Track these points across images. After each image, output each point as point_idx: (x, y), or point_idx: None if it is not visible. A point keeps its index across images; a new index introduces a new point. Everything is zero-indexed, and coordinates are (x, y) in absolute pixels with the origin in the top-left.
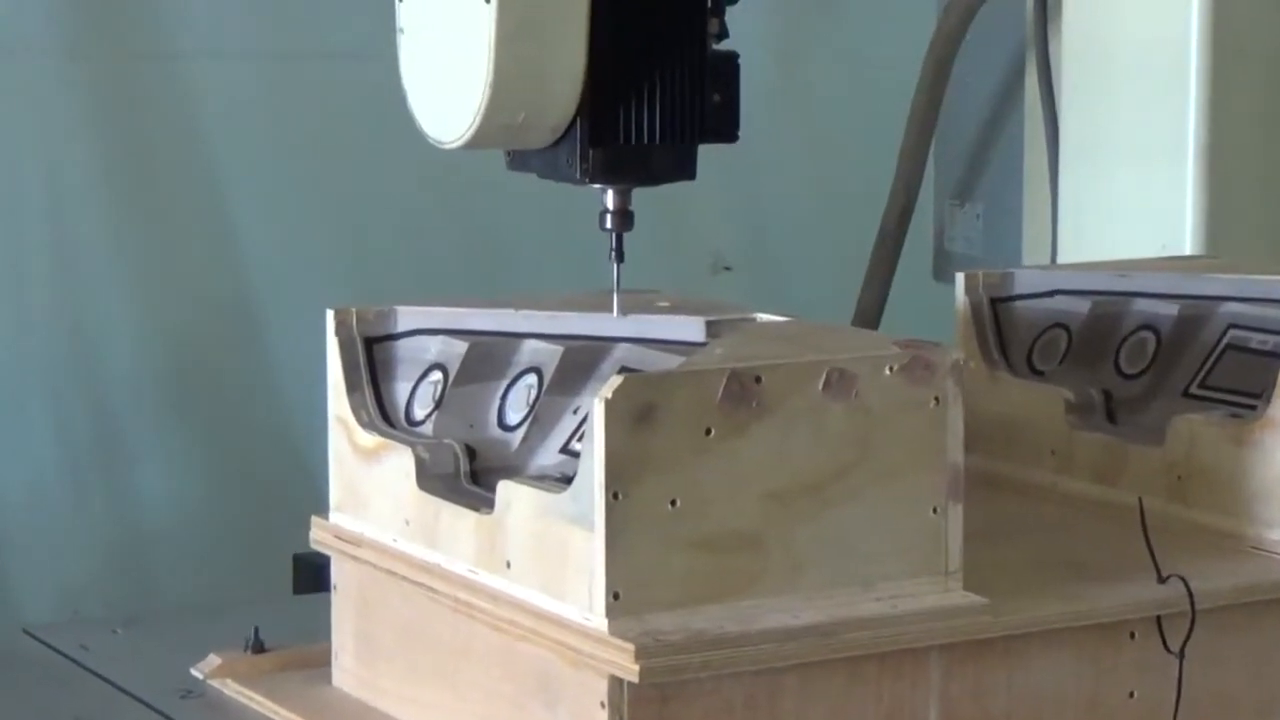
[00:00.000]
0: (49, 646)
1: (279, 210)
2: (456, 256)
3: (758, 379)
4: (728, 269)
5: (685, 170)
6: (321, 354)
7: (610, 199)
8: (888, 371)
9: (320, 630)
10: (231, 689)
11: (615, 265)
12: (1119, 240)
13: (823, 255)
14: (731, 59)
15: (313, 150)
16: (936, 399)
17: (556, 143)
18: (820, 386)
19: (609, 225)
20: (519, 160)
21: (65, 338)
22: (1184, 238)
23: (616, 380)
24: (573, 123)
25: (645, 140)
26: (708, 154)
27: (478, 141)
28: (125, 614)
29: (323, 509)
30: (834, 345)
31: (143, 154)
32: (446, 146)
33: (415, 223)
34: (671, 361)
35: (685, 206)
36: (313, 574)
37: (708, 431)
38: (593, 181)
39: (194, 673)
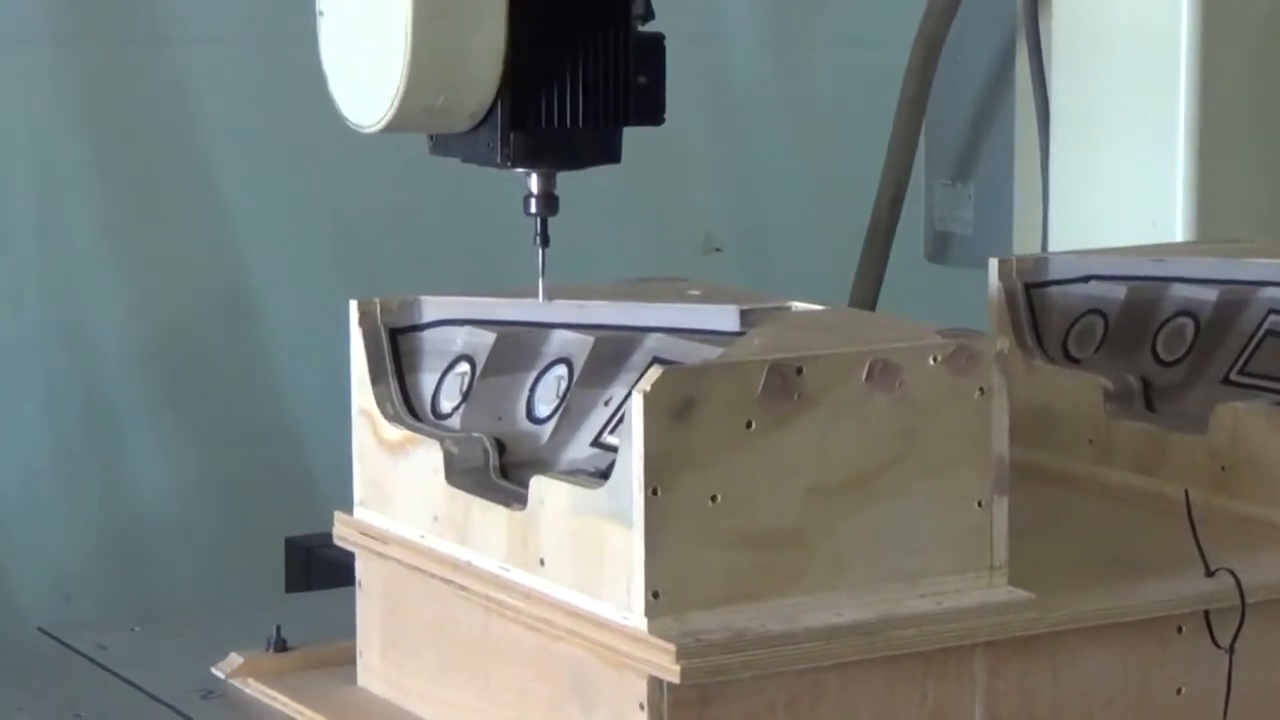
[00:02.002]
0: (66, 645)
1: (273, 197)
2: (451, 243)
3: (799, 370)
4: (718, 250)
5: (610, 154)
6: (316, 341)
7: (534, 183)
8: (931, 361)
9: (342, 627)
10: (254, 688)
11: (540, 250)
12: (1110, 218)
13: (814, 237)
14: (657, 40)
15: (306, 136)
16: (981, 389)
17: (478, 126)
18: (863, 377)
19: (533, 210)
20: (442, 144)
21: (58, 327)
22: (1174, 216)
23: (655, 373)
24: (493, 106)
25: (567, 123)
26: (698, 134)
27: (397, 125)
28: (142, 611)
29: (315, 496)
30: (876, 335)
31: (135, 141)
32: (366, 130)
33: (410, 209)
34: (705, 352)
35: (676, 187)
36: (304, 558)
37: (748, 425)
38: (514, 165)
39: (215, 672)
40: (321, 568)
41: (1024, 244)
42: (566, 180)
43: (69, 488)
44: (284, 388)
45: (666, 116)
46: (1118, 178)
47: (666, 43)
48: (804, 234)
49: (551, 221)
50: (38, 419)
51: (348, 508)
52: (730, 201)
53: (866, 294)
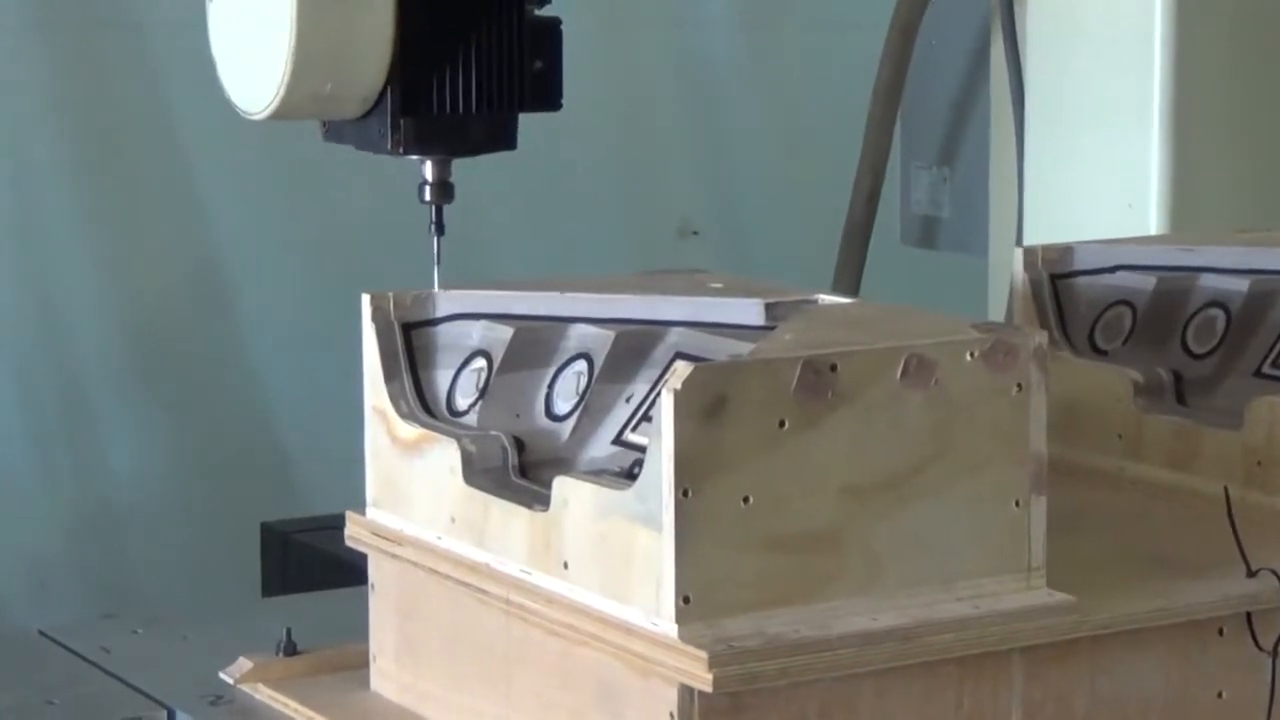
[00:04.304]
0: (68, 649)
1: (247, 180)
2: (425, 226)
3: (833, 367)
4: (695, 234)
5: (505, 140)
6: (291, 325)
7: (429, 170)
8: (968, 357)
9: (352, 629)
10: (264, 694)
11: (435, 239)
12: (1086, 202)
13: (791, 220)
14: (554, 25)
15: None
16: (1019, 386)
17: (368, 113)
18: (898, 374)
19: (428, 198)
20: (334, 132)
21: (32, 310)
22: (1149, 198)
23: (686, 370)
24: (383, 92)
25: (460, 109)
26: (675, 118)
27: (284, 112)
28: (146, 614)
29: (291, 481)
30: (909, 330)
31: (109, 124)
32: (254, 118)
33: (385, 193)
34: (730, 347)
35: (652, 171)
36: (280, 544)
37: (781, 424)
38: (405, 152)
39: (223, 677)
40: (298, 554)
41: (1000, 228)
42: (544, 164)
43: (42, 472)
44: (259, 371)
45: (644, 99)
46: (1093, 161)
47: (642, 28)
48: (781, 217)
49: (530, 206)
50: (11, 403)
51: (323, 493)
52: (707, 185)
53: (846, 291)
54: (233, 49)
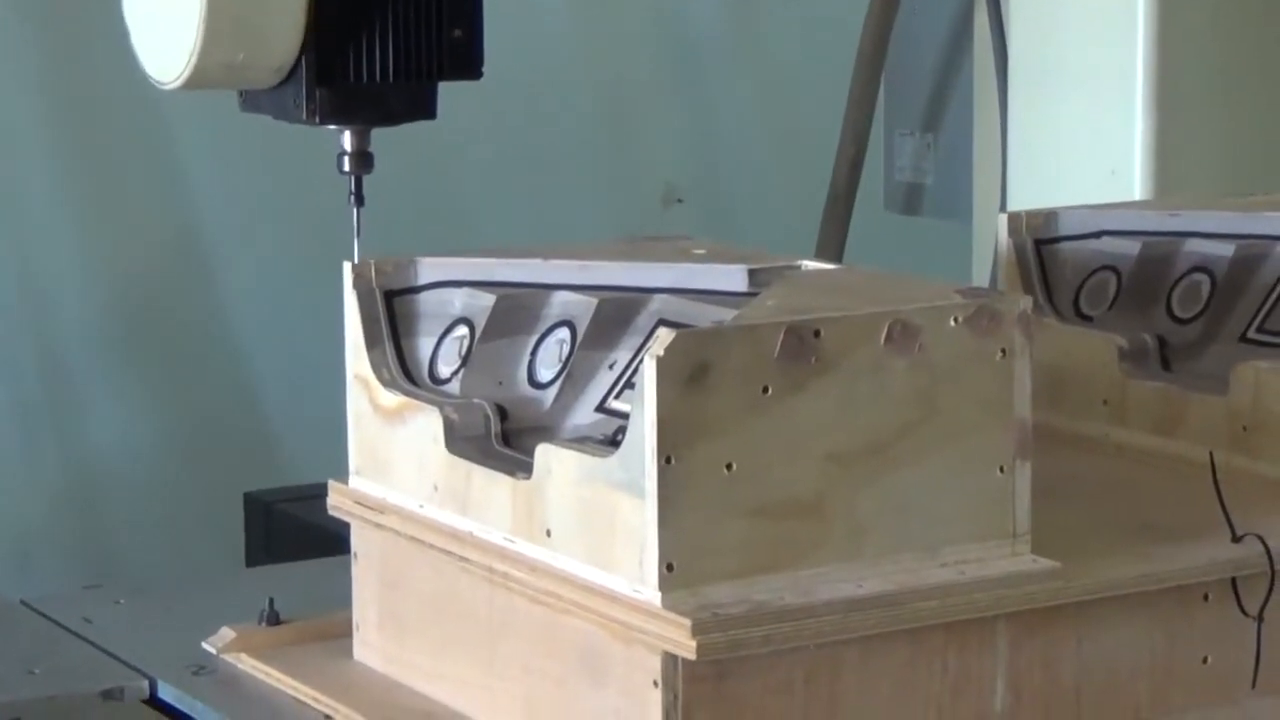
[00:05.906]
0: (50, 619)
1: (227, 150)
2: (412, 198)
3: (816, 333)
4: (679, 201)
5: (424, 109)
6: (272, 296)
7: (348, 140)
8: (952, 323)
9: (336, 598)
10: (247, 664)
11: (355, 210)
12: (1069, 167)
13: (775, 187)
14: None
15: None
16: (1003, 351)
17: (284, 82)
18: (882, 340)
19: (346, 168)
20: (251, 101)
21: (12, 281)
22: (1133, 163)
23: (668, 336)
24: (298, 61)
25: (377, 78)
26: (658, 85)
27: (196, 82)
28: (128, 584)
29: (274, 451)
30: (893, 295)
31: (88, 95)
32: (166, 87)
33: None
34: (713, 313)
35: (636, 139)
36: (262, 513)
37: (764, 390)
38: (321, 122)
39: (206, 647)
40: (281, 523)
41: (984, 194)
42: (527, 131)
43: (25, 443)
44: (241, 340)
45: (627, 67)
46: (1076, 127)
47: None
48: (765, 184)
49: (513, 173)
50: None
51: (306, 462)
52: (691, 152)
53: (830, 258)
54: (145, 17)
